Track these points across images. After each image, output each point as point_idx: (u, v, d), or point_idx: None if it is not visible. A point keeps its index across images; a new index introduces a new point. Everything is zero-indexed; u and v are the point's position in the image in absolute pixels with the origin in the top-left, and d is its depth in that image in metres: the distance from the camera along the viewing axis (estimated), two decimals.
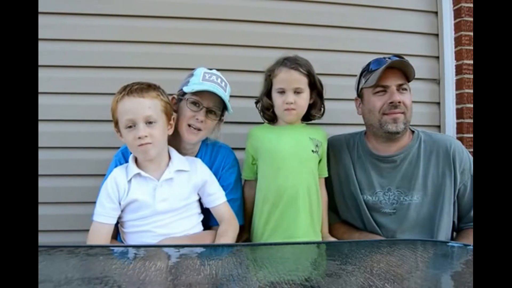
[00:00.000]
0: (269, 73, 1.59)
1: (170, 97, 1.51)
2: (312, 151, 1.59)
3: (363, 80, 1.68)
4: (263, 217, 1.57)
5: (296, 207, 1.54)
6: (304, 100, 1.58)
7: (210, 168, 1.57)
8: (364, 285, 0.75)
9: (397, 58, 1.60)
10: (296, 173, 1.55)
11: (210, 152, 1.66)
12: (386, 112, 1.59)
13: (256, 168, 1.65)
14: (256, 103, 1.68)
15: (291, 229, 1.53)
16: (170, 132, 1.47)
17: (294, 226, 1.54)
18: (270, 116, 1.64)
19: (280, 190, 1.54)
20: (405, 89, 1.61)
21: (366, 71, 1.67)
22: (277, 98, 1.57)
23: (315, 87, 1.60)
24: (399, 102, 1.57)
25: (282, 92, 1.55)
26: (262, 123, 1.70)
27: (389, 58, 1.61)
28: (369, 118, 1.67)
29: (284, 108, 1.55)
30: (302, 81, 1.55)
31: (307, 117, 1.66)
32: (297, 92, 1.55)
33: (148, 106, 1.36)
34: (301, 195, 1.54)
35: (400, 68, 1.59)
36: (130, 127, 1.36)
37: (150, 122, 1.36)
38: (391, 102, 1.58)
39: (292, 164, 1.55)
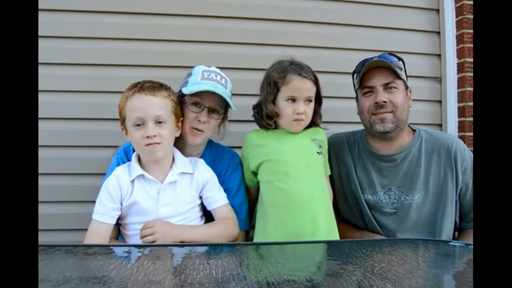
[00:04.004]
0: (277, 79, 1.48)
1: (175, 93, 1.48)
2: (318, 152, 1.54)
3: (354, 81, 1.69)
4: (276, 222, 1.46)
5: (312, 211, 1.45)
6: (311, 109, 1.53)
7: (213, 171, 1.54)
8: (365, 285, 0.75)
9: (383, 57, 1.59)
10: (306, 177, 1.48)
11: (213, 155, 1.64)
12: (373, 112, 1.60)
13: (254, 175, 1.57)
14: (255, 108, 1.58)
15: (309, 234, 1.42)
16: (178, 134, 1.45)
17: (312, 230, 1.43)
18: (269, 124, 1.53)
19: (291, 196, 1.45)
20: (394, 87, 1.58)
21: (356, 72, 1.67)
22: (286, 107, 1.48)
23: (319, 95, 1.56)
24: (384, 101, 1.56)
25: (292, 100, 1.48)
26: None
27: (377, 57, 1.60)
28: (362, 119, 1.68)
29: (294, 118, 1.48)
30: (312, 90, 1.50)
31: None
32: (307, 101, 1.50)
33: (159, 105, 1.34)
34: (315, 199, 1.47)
35: (387, 67, 1.57)
36: (138, 125, 1.33)
37: (160, 122, 1.34)
38: (376, 103, 1.57)
39: (300, 168, 1.48)
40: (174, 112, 1.40)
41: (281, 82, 1.48)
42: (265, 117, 1.52)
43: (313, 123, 1.58)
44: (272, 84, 1.50)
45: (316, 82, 1.51)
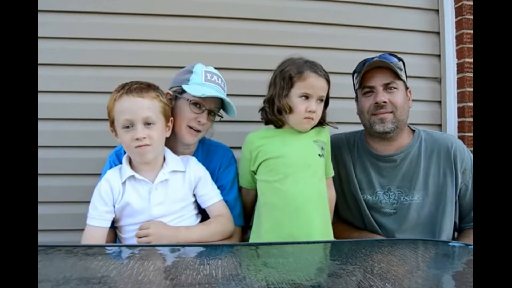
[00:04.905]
0: (294, 74, 1.45)
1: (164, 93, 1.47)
2: (319, 155, 1.51)
3: (355, 81, 1.69)
4: (270, 223, 1.46)
5: (308, 214, 1.43)
6: (321, 109, 1.51)
7: (207, 168, 1.54)
8: (364, 285, 0.75)
9: (383, 57, 1.59)
10: (305, 179, 1.46)
11: (206, 152, 1.64)
12: (373, 112, 1.59)
13: (253, 177, 1.56)
14: (267, 102, 1.53)
15: (304, 236, 1.40)
16: (168, 134, 1.44)
17: (307, 233, 1.42)
18: (278, 120, 1.51)
19: (288, 197, 1.43)
20: (395, 88, 1.58)
21: (356, 72, 1.67)
22: (299, 104, 1.45)
23: (327, 96, 1.54)
24: (384, 102, 1.56)
25: (306, 97, 1.46)
26: (259, 121, 1.62)
27: (377, 57, 1.60)
28: (362, 119, 1.68)
29: (304, 116, 1.46)
30: (325, 90, 1.49)
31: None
32: (319, 100, 1.48)
33: (147, 107, 1.33)
34: (312, 202, 1.46)
35: (388, 67, 1.57)
36: (127, 127, 1.32)
37: (149, 124, 1.33)
38: (376, 103, 1.57)
39: (300, 170, 1.46)
40: (163, 112, 1.39)
41: (297, 78, 1.45)
42: (276, 111, 1.49)
43: (319, 123, 1.56)
44: (287, 78, 1.47)
45: (329, 82, 1.50)
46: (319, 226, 1.46)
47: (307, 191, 1.46)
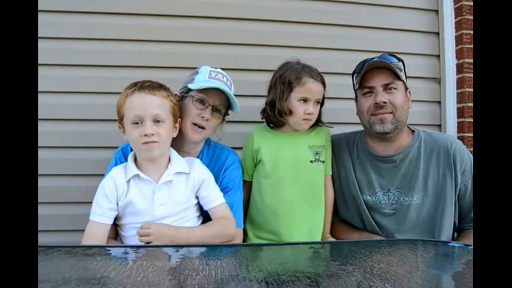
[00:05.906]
0: (293, 80, 1.56)
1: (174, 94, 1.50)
2: (311, 161, 1.62)
3: (354, 82, 1.69)
4: (260, 219, 1.63)
5: (293, 216, 1.59)
6: (318, 111, 1.63)
7: (212, 170, 1.55)
8: (364, 285, 0.75)
9: (383, 58, 1.59)
10: (294, 185, 1.59)
11: (212, 154, 1.64)
12: (373, 113, 1.60)
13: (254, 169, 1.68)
14: (269, 105, 1.62)
15: (288, 236, 1.59)
16: (175, 135, 1.46)
17: (291, 233, 1.59)
18: (280, 122, 1.62)
19: (278, 200, 1.59)
20: (394, 88, 1.59)
21: (356, 72, 1.67)
22: (298, 107, 1.57)
23: (323, 97, 1.64)
24: (384, 102, 1.57)
25: (304, 101, 1.57)
26: (259, 121, 1.70)
27: (377, 58, 1.60)
28: (361, 119, 1.68)
29: (303, 118, 1.58)
30: (322, 93, 1.60)
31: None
32: (316, 102, 1.59)
33: (158, 104, 1.35)
34: (296, 206, 1.59)
35: (387, 67, 1.58)
36: (136, 123, 1.33)
37: (158, 121, 1.35)
38: (376, 103, 1.58)
39: (289, 176, 1.60)
40: (172, 112, 1.41)
41: (296, 83, 1.56)
42: (277, 113, 1.60)
43: (316, 123, 1.67)
44: (287, 83, 1.57)
45: (324, 85, 1.60)
46: (301, 227, 1.61)
47: (293, 196, 1.60)
